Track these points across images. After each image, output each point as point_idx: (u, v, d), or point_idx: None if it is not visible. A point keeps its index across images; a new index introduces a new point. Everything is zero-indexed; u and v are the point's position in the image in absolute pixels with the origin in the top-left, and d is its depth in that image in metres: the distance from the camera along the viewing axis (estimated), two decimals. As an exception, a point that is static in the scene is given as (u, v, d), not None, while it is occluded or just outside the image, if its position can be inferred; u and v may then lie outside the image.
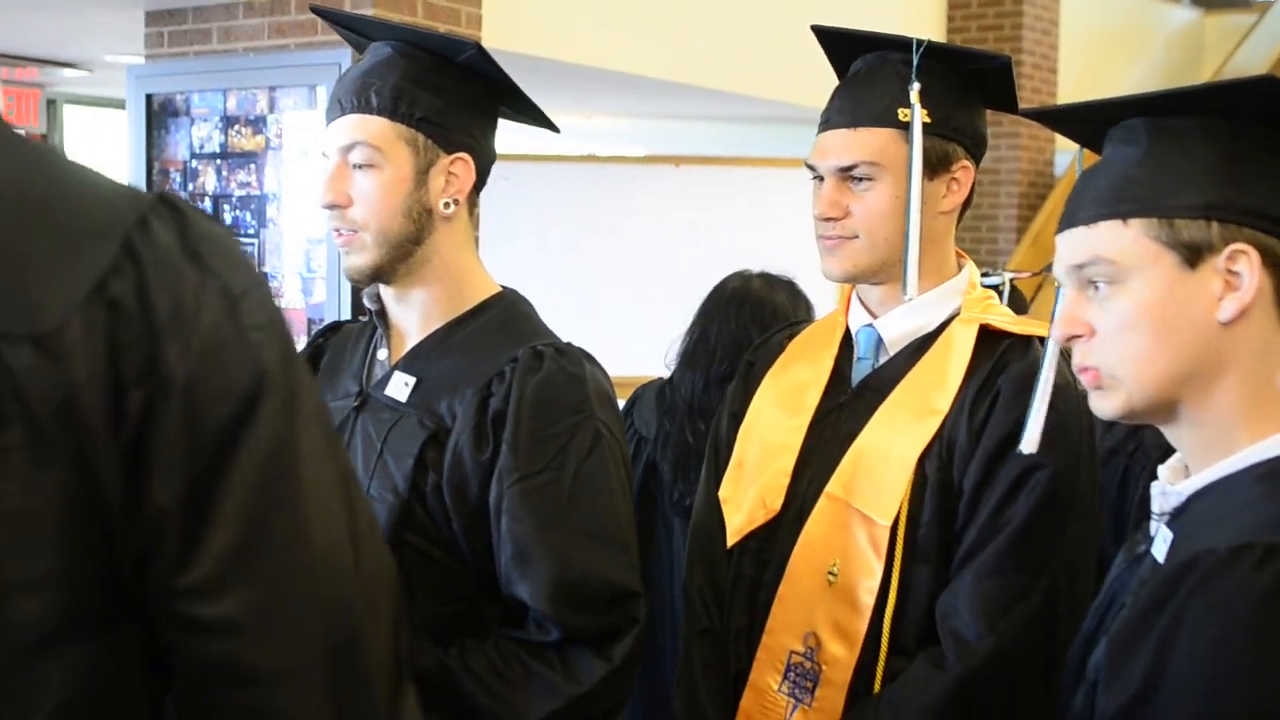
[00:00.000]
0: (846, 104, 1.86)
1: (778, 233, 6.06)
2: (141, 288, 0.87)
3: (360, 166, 1.72)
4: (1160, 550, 1.28)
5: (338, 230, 1.75)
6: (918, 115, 1.78)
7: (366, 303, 1.84)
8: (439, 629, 1.67)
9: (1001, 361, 1.80)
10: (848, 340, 1.94)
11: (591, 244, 6.59)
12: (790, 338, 2.05)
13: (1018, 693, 1.70)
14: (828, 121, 1.88)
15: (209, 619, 0.88)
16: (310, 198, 4.15)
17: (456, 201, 1.77)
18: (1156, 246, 1.24)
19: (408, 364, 1.77)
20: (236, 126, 4.38)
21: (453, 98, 1.77)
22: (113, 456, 0.85)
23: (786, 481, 1.87)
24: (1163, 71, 9.81)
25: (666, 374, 3.15)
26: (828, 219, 1.83)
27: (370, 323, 1.88)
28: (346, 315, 4.06)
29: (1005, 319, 1.85)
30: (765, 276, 3.17)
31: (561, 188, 6.72)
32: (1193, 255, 1.23)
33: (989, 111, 1.93)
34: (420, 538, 1.68)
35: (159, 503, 0.86)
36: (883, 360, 1.89)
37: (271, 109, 4.30)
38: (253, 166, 4.34)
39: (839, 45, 1.94)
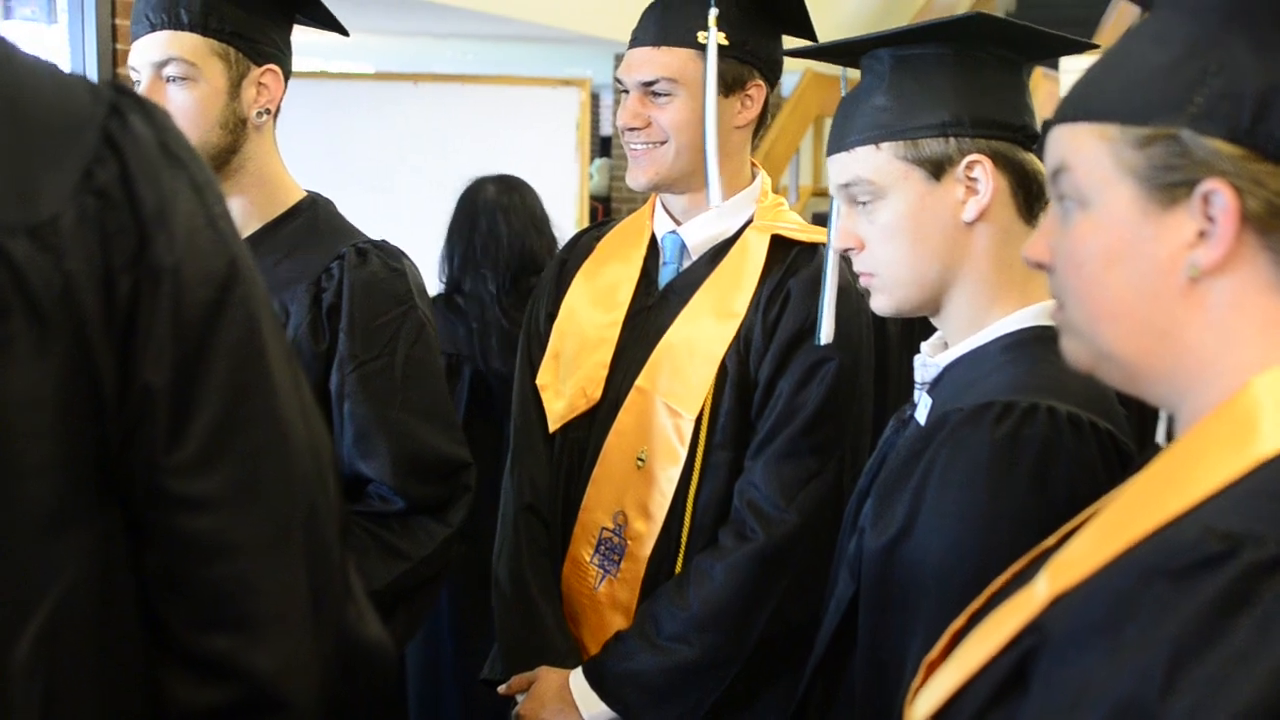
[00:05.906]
0: (652, 24, 2.00)
1: (517, 152, 6.16)
2: (125, 176, 0.89)
3: (175, 80, 1.79)
4: (922, 414, 1.48)
5: None
6: (713, 37, 1.93)
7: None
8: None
9: (792, 267, 2.00)
10: (654, 244, 2.11)
11: (330, 160, 6.52)
12: (598, 239, 2.20)
13: (811, 558, 1.90)
14: (636, 40, 2.02)
15: (195, 494, 0.91)
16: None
17: (269, 111, 1.87)
18: (905, 165, 1.46)
19: None
20: (-33, 34, 4.19)
21: (258, 11, 1.85)
22: (106, 341, 0.87)
23: (605, 374, 2.05)
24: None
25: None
26: (631, 129, 1.99)
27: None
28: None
29: (794, 227, 2.05)
30: (513, 181, 3.36)
31: (295, 104, 6.56)
32: (936, 169, 1.45)
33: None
34: None
35: (151, 384, 0.89)
36: (686, 264, 2.07)
37: (7, 16, 4.14)
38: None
39: None
